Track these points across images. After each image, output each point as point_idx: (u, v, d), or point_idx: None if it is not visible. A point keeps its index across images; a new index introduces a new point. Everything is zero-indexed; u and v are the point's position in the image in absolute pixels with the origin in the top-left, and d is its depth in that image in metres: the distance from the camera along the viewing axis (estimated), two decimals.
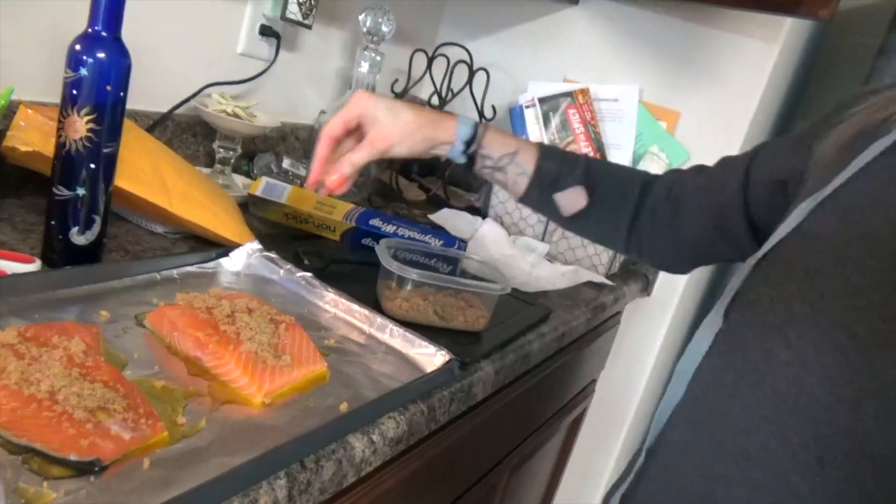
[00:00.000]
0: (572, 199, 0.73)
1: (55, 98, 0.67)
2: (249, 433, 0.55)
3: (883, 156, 0.49)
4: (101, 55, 0.66)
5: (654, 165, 1.35)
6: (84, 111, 0.66)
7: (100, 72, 0.66)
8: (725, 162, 0.73)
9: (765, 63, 1.35)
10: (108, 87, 0.67)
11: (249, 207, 1.06)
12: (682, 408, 0.52)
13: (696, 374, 0.52)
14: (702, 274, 1.64)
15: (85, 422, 0.47)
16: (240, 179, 1.14)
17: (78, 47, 0.65)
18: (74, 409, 0.48)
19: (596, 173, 0.75)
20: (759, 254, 0.52)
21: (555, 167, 0.74)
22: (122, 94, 0.69)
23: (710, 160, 1.39)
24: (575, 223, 0.76)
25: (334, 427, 0.57)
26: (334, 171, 0.73)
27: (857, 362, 0.42)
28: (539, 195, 0.75)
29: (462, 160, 0.75)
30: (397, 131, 0.72)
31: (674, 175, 0.77)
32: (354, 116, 0.74)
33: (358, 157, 0.73)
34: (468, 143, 0.73)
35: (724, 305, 0.52)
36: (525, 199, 0.77)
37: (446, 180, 1.45)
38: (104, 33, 0.66)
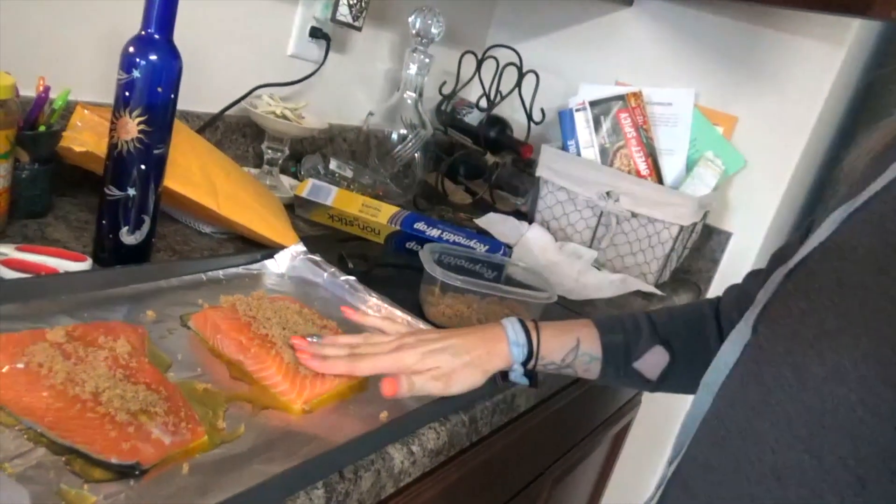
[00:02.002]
0: (653, 362, 0.68)
1: (111, 99, 0.68)
2: (288, 440, 0.54)
3: None
4: (153, 57, 0.66)
5: (709, 171, 1.31)
6: (136, 113, 0.67)
7: (151, 74, 0.67)
8: (781, 250, 0.67)
9: (829, 67, 1.29)
10: (160, 89, 0.68)
11: (295, 208, 1.06)
12: (707, 423, 0.51)
13: (721, 389, 0.50)
14: None
15: (127, 424, 0.47)
16: (287, 180, 1.15)
17: (131, 50, 0.66)
18: (117, 412, 0.48)
19: (664, 325, 0.70)
20: (790, 264, 0.50)
21: (621, 338, 0.68)
22: (172, 95, 0.69)
23: (768, 168, 1.35)
24: (666, 383, 0.70)
25: (374, 437, 0.56)
26: (398, 379, 0.61)
27: None
28: (616, 372, 0.69)
29: (525, 381, 0.68)
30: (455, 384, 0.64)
31: (737, 290, 0.71)
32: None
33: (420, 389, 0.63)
34: (526, 362, 0.67)
35: (752, 317, 0.50)
36: (603, 380, 0.70)
37: (493, 184, 1.43)
38: (157, 36, 0.67)
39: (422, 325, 0.78)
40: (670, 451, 0.54)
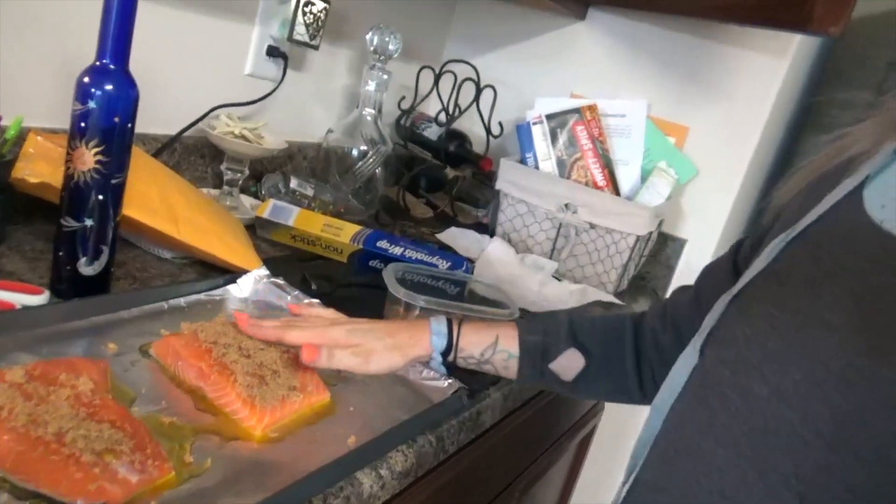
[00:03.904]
0: (568, 363, 0.71)
1: (64, 124, 0.68)
2: (257, 471, 0.54)
3: (851, 195, 0.49)
4: (108, 87, 0.66)
5: (663, 181, 1.34)
6: (92, 143, 0.66)
7: (108, 104, 0.66)
8: (709, 268, 0.71)
9: (774, 77, 1.34)
10: (116, 119, 0.67)
11: (257, 229, 1.06)
12: (657, 445, 0.52)
13: (670, 411, 0.52)
14: None
15: (92, 465, 0.47)
16: (248, 200, 1.14)
17: (86, 80, 0.66)
18: (82, 452, 0.48)
19: (582, 329, 0.73)
20: (734, 291, 0.52)
21: (539, 339, 0.72)
22: (129, 125, 0.69)
23: (720, 176, 1.40)
24: (580, 385, 0.72)
25: (342, 464, 0.57)
26: (319, 348, 0.65)
27: (835, 397, 0.42)
28: (533, 371, 0.72)
29: (444, 370, 0.73)
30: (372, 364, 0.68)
31: (661, 304, 0.75)
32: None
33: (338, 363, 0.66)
34: (446, 353, 0.71)
35: (699, 342, 0.52)
36: (521, 379, 0.73)
37: (454, 196, 1.45)
38: (112, 66, 0.66)
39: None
40: (623, 474, 0.56)
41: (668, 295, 1.46)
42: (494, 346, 0.72)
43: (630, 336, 0.72)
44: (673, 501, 0.48)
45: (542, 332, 0.73)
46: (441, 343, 0.71)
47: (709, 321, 0.52)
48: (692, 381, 0.51)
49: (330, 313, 0.74)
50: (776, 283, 0.49)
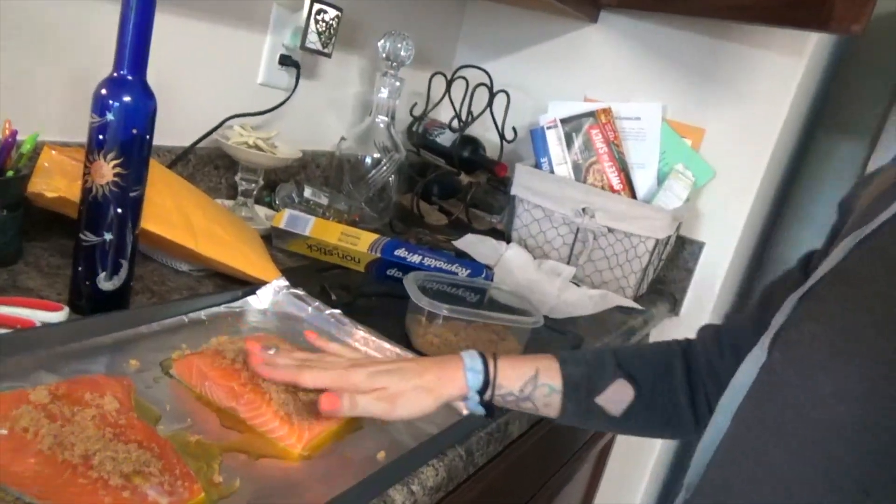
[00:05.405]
0: (618, 396, 0.65)
1: (78, 137, 0.66)
2: (288, 491, 0.53)
3: None
4: (126, 99, 0.65)
5: (680, 184, 1.33)
6: (110, 156, 0.65)
7: (126, 116, 0.65)
8: (775, 282, 0.66)
9: (791, 77, 1.32)
10: (134, 131, 0.66)
11: (273, 239, 1.05)
12: (724, 444, 0.52)
13: (738, 411, 0.52)
14: (729, 295, 1.60)
15: (122, 488, 0.46)
16: (262, 210, 1.13)
17: (104, 92, 0.65)
18: (110, 475, 0.46)
19: (628, 358, 0.68)
20: (802, 290, 0.52)
21: (583, 370, 0.66)
22: (147, 136, 0.68)
23: (737, 177, 1.38)
24: (630, 421, 0.66)
25: (374, 481, 0.55)
26: (340, 395, 0.59)
27: None
28: (578, 407, 0.66)
29: (482, 410, 0.66)
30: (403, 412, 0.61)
31: (713, 329, 0.70)
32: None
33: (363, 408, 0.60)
34: (483, 391, 0.65)
35: (767, 341, 0.52)
36: (564, 417, 0.67)
37: (468, 203, 1.43)
38: (130, 77, 0.65)
39: (411, 357, 0.77)
40: (687, 473, 0.55)
41: (686, 298, 1.45)
42: (535, 381, 0.66)
43: (681, 364, 0.68)
44: (738, 500, 0.48)
45: (584, 363, 0.68)
46: (477, 381, 0.64)
47: (778, 319, 0.52)
48: (759, 379, 0.51)
49: (349, 352, 0.69)
50: (845, 283, 0.49)
